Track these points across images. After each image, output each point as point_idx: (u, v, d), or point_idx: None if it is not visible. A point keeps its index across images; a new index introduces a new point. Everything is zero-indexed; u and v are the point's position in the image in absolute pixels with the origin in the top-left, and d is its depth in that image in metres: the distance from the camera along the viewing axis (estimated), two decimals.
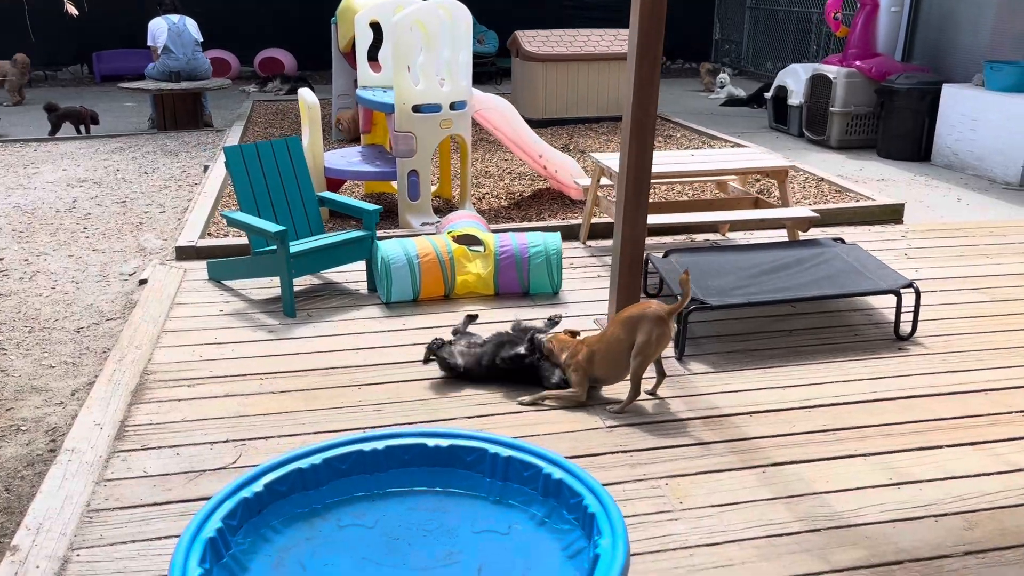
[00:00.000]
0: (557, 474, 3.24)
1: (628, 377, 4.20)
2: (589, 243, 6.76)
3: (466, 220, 6.03)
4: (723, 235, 6.86)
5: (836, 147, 10.89)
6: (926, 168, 9.91)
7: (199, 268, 6.07)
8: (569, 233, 6.89)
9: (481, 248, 5.66)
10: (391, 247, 5.40)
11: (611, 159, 6.27)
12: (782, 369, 4.66)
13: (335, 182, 7.64)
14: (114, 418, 4.08)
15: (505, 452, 3.42)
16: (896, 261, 6.31)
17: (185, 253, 6.33)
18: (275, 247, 5.23)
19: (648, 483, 3.62)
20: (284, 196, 5.77)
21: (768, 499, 3.51)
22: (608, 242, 6.77)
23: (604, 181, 6.44)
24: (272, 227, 5.15)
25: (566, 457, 3.74)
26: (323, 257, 5.42)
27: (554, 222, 7.18)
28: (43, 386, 4.70)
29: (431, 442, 3.50)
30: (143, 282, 5.98)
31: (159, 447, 3.88)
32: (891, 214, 7.46)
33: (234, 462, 3.76)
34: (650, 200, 5.14)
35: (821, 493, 3.55)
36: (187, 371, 4.59)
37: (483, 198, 8.15)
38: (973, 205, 8.35)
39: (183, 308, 5.43)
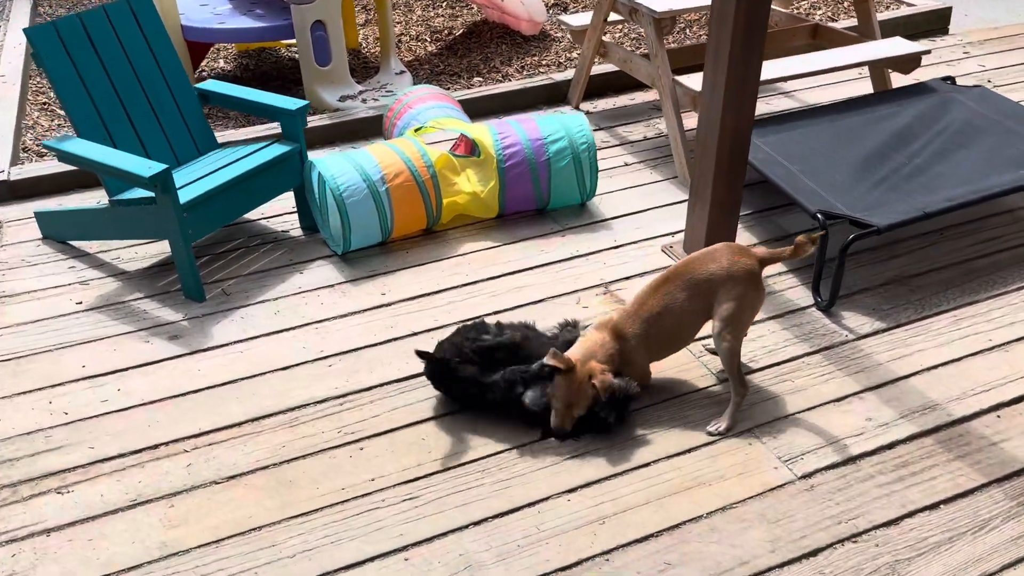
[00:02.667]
0: None
1: (725, 367, 2.63)
2: (585, 106, 4.88)
3: (436, 105, 4.02)
4: None
5: None
6: None
7: (23, 221, 3.89)
8: (551, 94, 4.97)
9: (471, 150, 3.74)
10: (339, 170, 3.41)
11: None
12: (976, 307, 3.14)
13: (197, 47, 5.32)
14: None
15: None
16: None
17: None
18: (152, 196, 3.16)
19: None
20: (144, 98, 3.58)
21: None
22: (614, 102, 4.90)
23: (613, 17, 4.49)
24: (143, 166, 3.06)
25: (775, 565, 2.15)
26: (231, 200, 3.38)
27: (523, 81, 5.22)
28: None
29: None
30: None
31: None
32: (936, 22, 5.87)
33: None
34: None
35: None
36: (48, 454, 2.65)
37: (400, 43, 6.01)
38: None
39: (13, 306, 3.34)
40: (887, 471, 2.48)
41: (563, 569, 2.23)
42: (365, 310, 3.26)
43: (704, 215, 3.33)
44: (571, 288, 3.34)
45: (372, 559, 2.28)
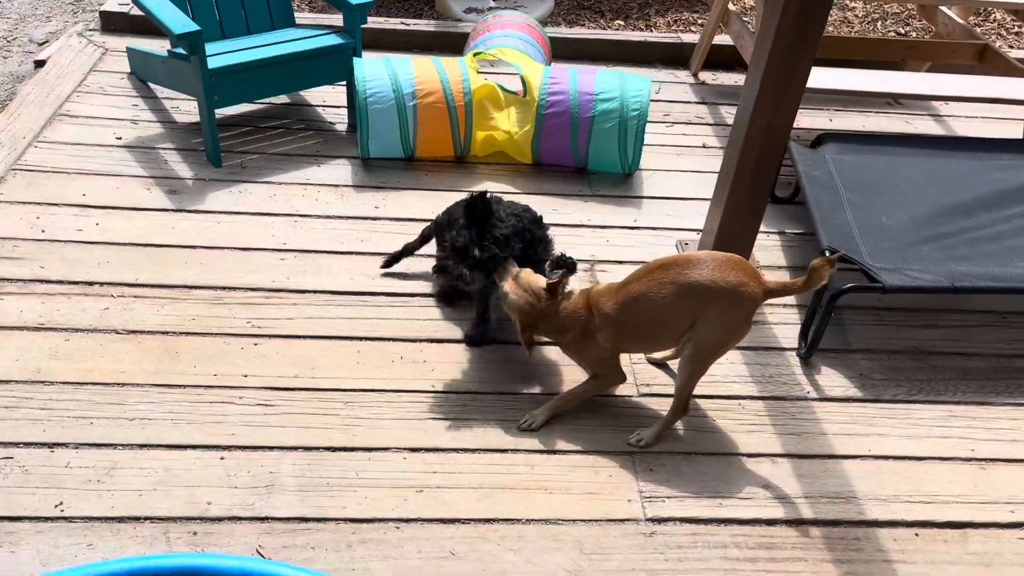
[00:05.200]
0: None
1: (678, 387, 2.40)
2: (703, 76, 4.51)
3: (511, 34, 3.86)
4: (894, 101, 4.40)
5: None
6: None
7: (123, 54, 4.16)
8: (674, 55, 4.63)
9: (519, 89, 3.57)
10: (374, 74, 3.37)
11: None
12: (983, 409, 2.66)
13: None
14: None
15: None
16: None
17: (113, 22, 4.39)
18: (185, 54, 3.27)
19: None
20: None
21: None
22: (738, 79, 4.51)
23: None
24: (178, 23, 3.16)
25: None
26: (266, 78, 3.44)
27: (647, 34, 4.89)
28: None
29: None
30: (39, 64, 4.14)
31: None
32: None
33: None
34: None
35: None
36: (3, 261, 2.88)
37: None
38: None
39: (67, 125, 3.62)
40: (745, 547, 2.19)
41: (350, 520, 2.17)
42: (349, 217, 3.25)
43: (716, 221, 3.01)
44: None
45: (193, 447, 2.32)
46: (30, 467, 2.22)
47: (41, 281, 2.81)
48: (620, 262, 3.14)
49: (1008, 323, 3.02)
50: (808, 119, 4.18)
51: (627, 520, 2.23)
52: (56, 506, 2.14)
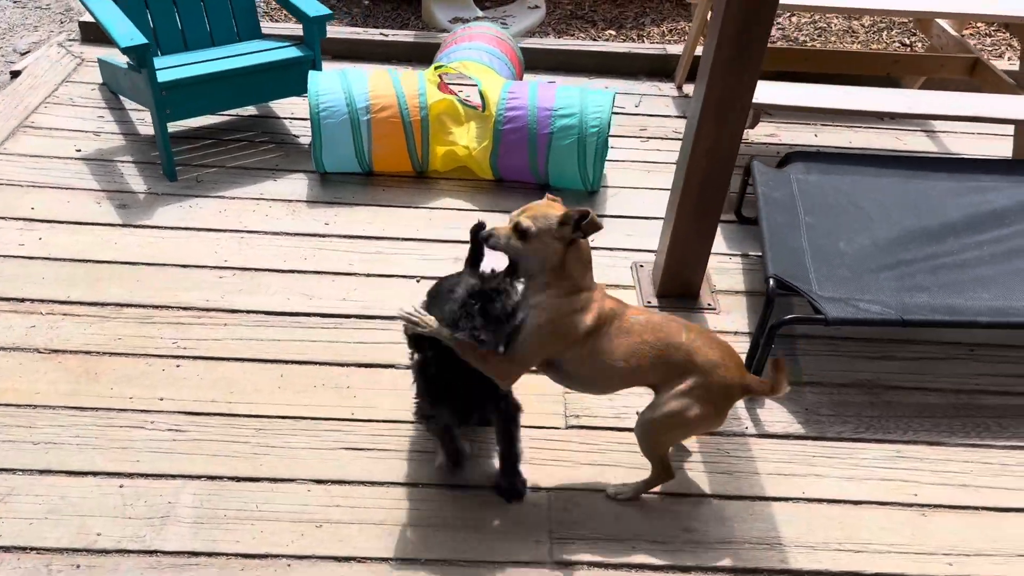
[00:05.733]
0: None
1: (649, 452, 2.21)
2: (688, 88, 4.38)
3: (476, 46, 3.76)
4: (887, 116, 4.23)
5: None
6: None
7: (96, 65, 4.16)
8: (659, 67, 4.50)
9: (478, 104, 3.48)
10: (327, 88, 3.30)
11: None
12: (934, 450, 2.50)
13: None
14: None
15: None
16: None
17: (92, 32, 4.38)
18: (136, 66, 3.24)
19: None
20: None
21: None
22: None
23: None
24: (125, 36, 3.12)
25: None
26: (220, 91, 3.40)
27: (631, 45, 4.77)
28: None
29: None
30: (15, 75, 4.16)
31: None
32: None
33: None
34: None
35: None
36: None
37: None
38: None
39: (30, 136, 3.61)
40: None
41: (240, 556, 2.10)
42: (297, 234, 3.18)
43: (664, 244, 2.89)
44: None
45: (94, 474, 2.27)
46: None
47: None
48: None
49: (975, 356, 2.85)
50: (792, 134, 4.03)
51: (531, 563, 2.13)
52: None
